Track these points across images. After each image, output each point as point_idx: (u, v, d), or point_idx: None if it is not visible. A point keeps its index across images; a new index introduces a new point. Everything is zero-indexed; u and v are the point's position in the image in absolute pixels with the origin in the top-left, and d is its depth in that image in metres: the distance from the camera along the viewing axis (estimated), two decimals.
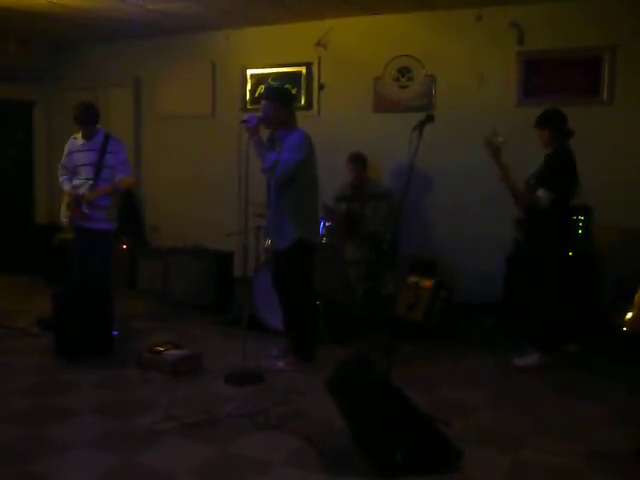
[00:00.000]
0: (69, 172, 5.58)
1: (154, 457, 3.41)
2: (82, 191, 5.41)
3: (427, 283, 5.82)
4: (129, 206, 7.41)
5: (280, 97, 4.91)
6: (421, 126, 4.03)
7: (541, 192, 4.74)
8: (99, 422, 3.83)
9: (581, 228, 5.49)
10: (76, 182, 5.48)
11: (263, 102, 4.89)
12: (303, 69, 7.15)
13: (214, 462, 3.37)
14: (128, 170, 5.50)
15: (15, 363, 4.85)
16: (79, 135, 5.54)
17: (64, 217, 5.56)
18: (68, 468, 3.28)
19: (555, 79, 6.09)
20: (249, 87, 7.49)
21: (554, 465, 3.38)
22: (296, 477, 3.24)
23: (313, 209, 4.91)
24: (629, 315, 5.10)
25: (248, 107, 7.42)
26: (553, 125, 4.88)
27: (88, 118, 5.43)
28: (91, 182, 5.38)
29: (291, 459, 3.40)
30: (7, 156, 8.70)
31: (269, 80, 7.32)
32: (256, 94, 7.42)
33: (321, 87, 7.11)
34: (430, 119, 4.10)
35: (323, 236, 5.81)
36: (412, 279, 5.96)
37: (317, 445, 3.53)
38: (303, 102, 7.14)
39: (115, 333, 5.29)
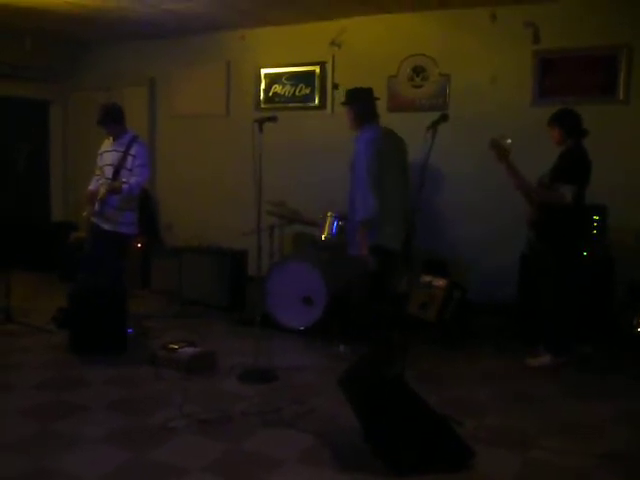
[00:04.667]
0: (100, 171, 5.62)
1: (167, 453, 3.43)
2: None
3: (441, 283, 5.81)
4: (143, 205, 7.43)
5: (349, 99, 4.84)
6: (435, 125, 4.01)
7: (563, 188, 4.68)
8: (113, 418, 3.87)
9: (596, 228, 5.45)
10: (101, 181, 5.53)
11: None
12: (317, 68, 7.15)
13: (227, 459, 3.39)
14: (143, 174, 5.47)
15: (30, 360, 4.90)
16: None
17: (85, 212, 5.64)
18: (82, 463, 3.30)
19: (570, 78, 6.04)
20: (263, 86, 7.50)
21: (565, 465, 3.37)
22: (308, 474, 3.25)
23: (390, 214, 4.77)
24: None
25: (262, 106, 7.44)
26: (562, 122, 4.86)
27: (103, 119, 5.47)
28: (109, 182, 5.42)
29: (304, 456, 3.41)
30: (23, 155, 8.74)
31: (283, 79, 7.34)
32: (270, 93, 7.45)
33: (335, 86, 7.09)
34: (444, 118, 4.08)
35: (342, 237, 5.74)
36: (425, 278, 5.94)
37: (330, 443, 3.54)
38: (317, 101, 7.15)
39: (129, 331, 5.32)
